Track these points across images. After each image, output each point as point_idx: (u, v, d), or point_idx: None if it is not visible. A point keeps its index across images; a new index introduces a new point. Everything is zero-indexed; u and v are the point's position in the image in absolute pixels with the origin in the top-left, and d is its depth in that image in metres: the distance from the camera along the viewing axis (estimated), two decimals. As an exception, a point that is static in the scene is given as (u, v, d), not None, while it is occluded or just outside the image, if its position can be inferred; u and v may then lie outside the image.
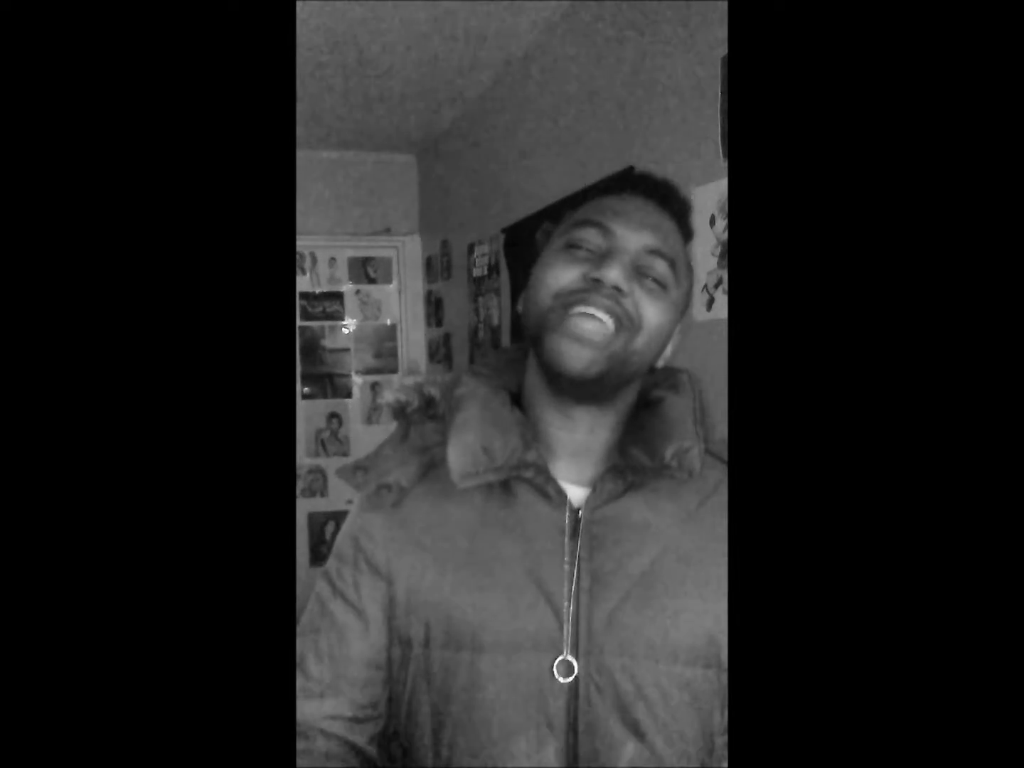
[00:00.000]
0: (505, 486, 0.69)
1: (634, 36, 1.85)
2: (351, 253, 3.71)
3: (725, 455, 0.74)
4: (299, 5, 2.03)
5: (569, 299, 0.66)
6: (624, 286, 0.65)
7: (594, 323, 0.65)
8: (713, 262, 1.60)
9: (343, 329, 3.73)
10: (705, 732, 0.67)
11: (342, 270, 3.71)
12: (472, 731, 0.66)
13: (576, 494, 0.70)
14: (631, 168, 1.88)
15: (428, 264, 3.62)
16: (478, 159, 2.96)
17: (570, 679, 0.65)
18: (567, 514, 0.68)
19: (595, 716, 0.65)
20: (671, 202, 0.73)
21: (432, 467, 0.72)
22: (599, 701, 0.65)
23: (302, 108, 2.86)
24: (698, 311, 1.66)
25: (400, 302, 3.76)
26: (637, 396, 0.74)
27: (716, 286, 1.60)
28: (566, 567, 0.66)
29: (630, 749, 0.65)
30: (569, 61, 2.19)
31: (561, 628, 0.65)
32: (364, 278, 3.73)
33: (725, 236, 1.55)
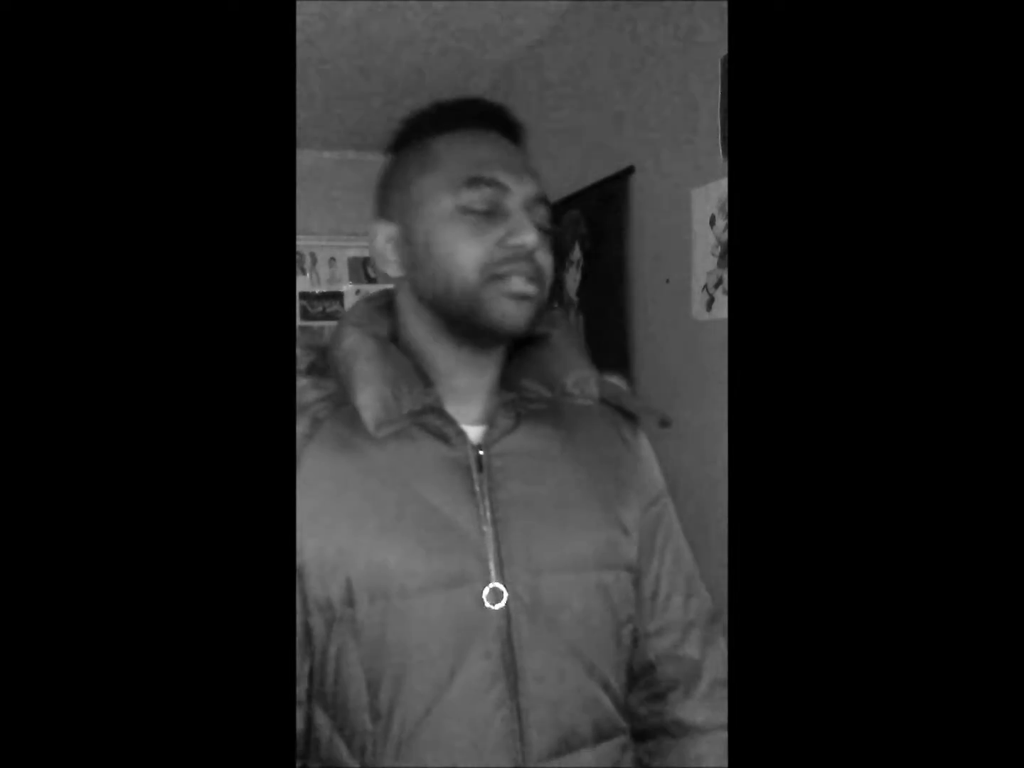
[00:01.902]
0: (404, 433, 0.70)
1: (634, 36, 1.85)
2: (351, 253, 3.71)
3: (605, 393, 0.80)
4: (299, 5, 2.03)
5: (497, 271, 0.68)
6: (537, 244, 0.68)
7: (529, 287, 0.69)
8: (713, 262, 1.60)
9: (343, 329, 3.73)
10: (616, 623, 0.73)
11: (342, 270, 3.71)
12: (411, 680, 0.66)
13: (473, 432, 0.72)
14: (631, 168, 1.88)
15: (428, 264, 3.62)
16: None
17: (500, 604, 0.67)
18: (469, 452, 0.70)
19: (529, 633, 0.67)
20: (513, 129, 0.75)
21: (317, 424, 0.70)
22: (530, 618, 0.68)
23: (302, 108, 2.86)
24: (698, 311, 1.66)
25: (400, 302, 3.75)
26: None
27: (716, 286, 1.60)
28: (475, 502, 0.69)
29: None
30: (569, 61, 2.19)
31: (481, 560, 0.67)
32: (364, 278, 3.73)
33: (725, 236, 1.55)
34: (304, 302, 3.67)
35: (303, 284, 3.66)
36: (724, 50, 1.49)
